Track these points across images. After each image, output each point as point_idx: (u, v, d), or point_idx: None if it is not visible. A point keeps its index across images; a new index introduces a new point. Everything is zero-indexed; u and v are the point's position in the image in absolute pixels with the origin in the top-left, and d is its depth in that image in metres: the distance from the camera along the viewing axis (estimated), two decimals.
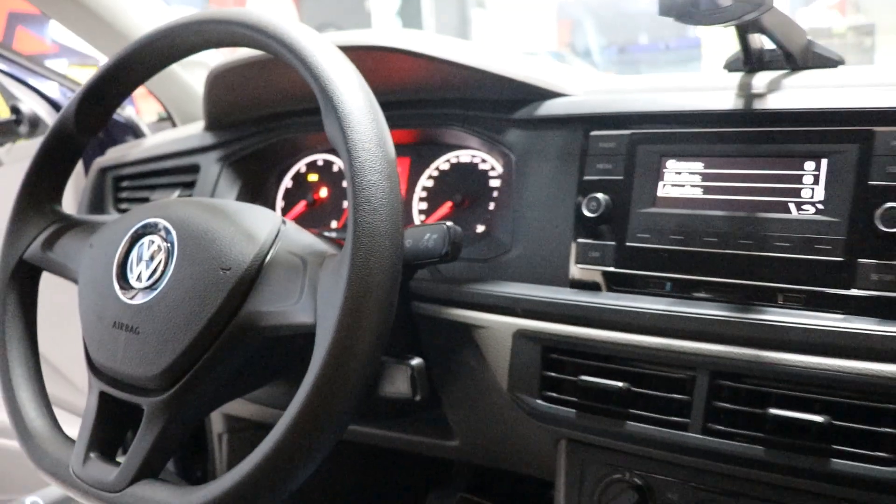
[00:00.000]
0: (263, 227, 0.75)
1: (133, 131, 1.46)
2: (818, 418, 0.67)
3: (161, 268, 0.75)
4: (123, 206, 1.24)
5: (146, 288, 0.75)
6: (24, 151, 1.49)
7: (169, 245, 0.75)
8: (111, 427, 0.79)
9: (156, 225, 0.77)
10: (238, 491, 0.65)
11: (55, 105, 1.49)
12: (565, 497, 0.85)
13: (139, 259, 0.77)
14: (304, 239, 0.77)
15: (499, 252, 0.87)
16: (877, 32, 4.64)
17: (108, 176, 1.26)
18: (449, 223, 0.75)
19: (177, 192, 1.16)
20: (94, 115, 0.90)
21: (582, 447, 0.84)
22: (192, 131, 1.20)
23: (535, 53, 6.80)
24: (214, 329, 0.70)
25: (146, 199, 1.20)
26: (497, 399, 0.86)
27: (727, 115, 0.77)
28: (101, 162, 1.28)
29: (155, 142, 1.26)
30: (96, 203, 1.26)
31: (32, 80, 1.50)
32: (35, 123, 1.49)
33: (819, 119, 0.72)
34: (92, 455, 0.77)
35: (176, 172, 1.19)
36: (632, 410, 0.76)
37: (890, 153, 0.68)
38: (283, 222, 0.78)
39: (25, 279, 0.91)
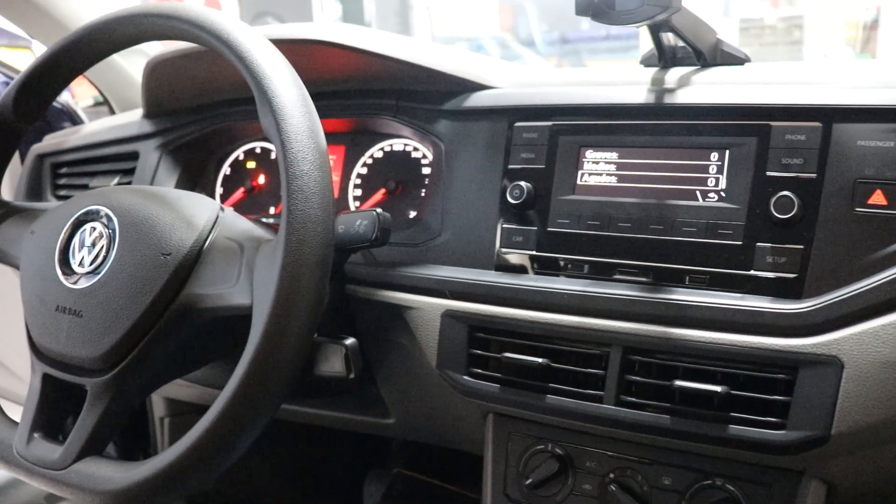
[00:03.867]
0: (202, 213, 0.79)
1: (70, 117, 1.45)
2: (718, 388, 0.72)
3: (103, 253, 0.77)
4: (62, 192, 1.25)
5: (89, 273, 0.77)
6: None
7: (111, 231, 0.78)
8: (54, 408, 0.81)
9: (98, 212, 0.80)
10: (178, 465, 0.69)
11: None
12: (493, 468, 0.90)
13: (81, 245, 0.79)
14: (241, 225, 0.80)
15: (429, 237, 0.91)
16: (806, 26, 4.77)
17: (46, 163, 1.26)
18: (378, 210, 0.79)
19: (116, 180, 1.17)
20: (33, 104, 0.91)
21: (507, 420, 0.88)
22: (131, 119, 1.21)
23: (477, 38, 6.83)
24: (156, 311, 0.74)
25: (85, 186, 1.20)
26: (428, 376, 0.90)
27: (640, 108, 0.82)
28: (38, 149, 1.28)
29: (93, 129, 1.26)
30: (34, 190, 1.26)
31: None
32: None
33: (723, 114, 0.78)
34: (36, 435, 0.79)
35: (115, 160, 1.20)
36: (551, 384, 0.81)
37: (785, 146, 0.74)
38: (222, 209, 0.81)
39: None
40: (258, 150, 1.13)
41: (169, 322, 0.74)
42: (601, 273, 0.81)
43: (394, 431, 1.08)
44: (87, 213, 0.81)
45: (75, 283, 0.78)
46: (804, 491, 0.76)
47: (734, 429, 0.73)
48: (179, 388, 1.07)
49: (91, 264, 0.77)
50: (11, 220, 0.92)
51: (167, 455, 0.69)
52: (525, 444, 0.87)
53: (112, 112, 1.44)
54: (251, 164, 1.14)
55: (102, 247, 0.78)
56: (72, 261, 0.80)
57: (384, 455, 1.63)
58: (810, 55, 4.77)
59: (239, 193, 1.12)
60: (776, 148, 0.74)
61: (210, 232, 0.77)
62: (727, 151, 0.76)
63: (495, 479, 0.89)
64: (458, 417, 0.94)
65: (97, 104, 1.57)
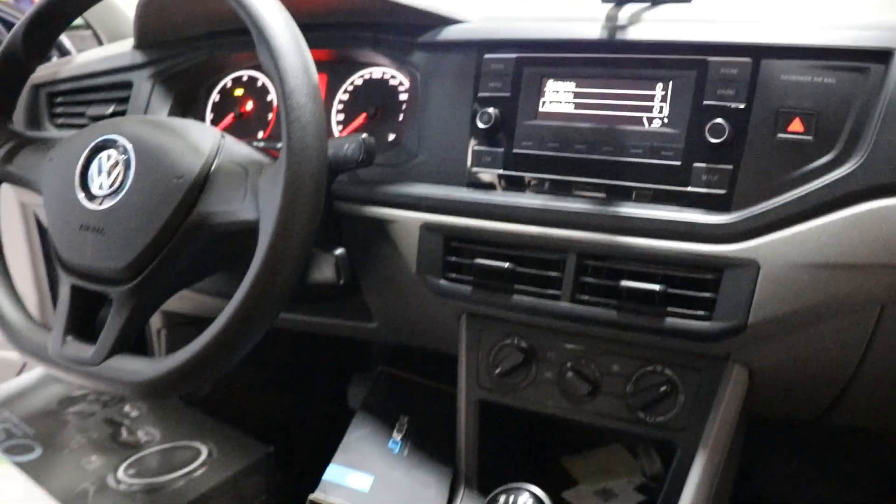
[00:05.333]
0: (207, 140, 0.87)
1: (58, 48, 1.50)
2: (657, 287, 0.83)
3: (120, 178, 0.86)
4: (59, 120, 1.31)
5: (108, 195, 0.87)
6: None
7: (126, 158, 0.87)
8: (82, 314, 0.91)
9: (113, 141, 0.88)
10: (196, 359, 0.79)
11: None
12: (466, 361, 1.01)
13: (100, 171, 0.88)
14: (242, 150, 0.89)
15: (407, 157, 0.99)
16: None
17: (42, 93, 1.32)
18: (364, 135, 0.88)
19: (111, 108, 1.23)
20: (41, 40, 0.99)
21: (478, 319, 0.99)
22: (122, 49, 1.26)
23: None
24: (171, 227, 0.83)
25: (81, 114, 1.27)
26: (408, 282, 1.00)
27: (595, 43, 0.89)
28: (34, 79, 1.32)
29: (86, 59, 1.31)
30: (32, 119, 1.33)
31: None
32: None
33: (667, 49, 0.85)
34: (68, 338, 0.90)
35: (109, 89, 1.26)
36: (516, 286, 0.91)
37: (719, 79, 0.82)
38: (223, 136, 0.90)
39: None
40: (245, 78, 1.20)
41: (183, 237, 0.84)
42: (560, 189, 0.90)
43: (376, 334, 1.18)
44: (103, 141, 0.89)
45: (96, 204, 0.87)
46: (728, 374, 0.88)
47: (670, 321, 0.84)
48: (176, 301, 1.17)
49: (110, 187, 0.87)
50: (27, 149, 1.00)
51: (187, 350, 0.80)
52: (494, 339, 0.98)
53: (99, 42, 1.50)
54: (239, 92, 1.20)
55: (119, 172, 0.87)
56: (91, 185, 0.89)
57: (366, 360, 1.75)
58: None
59: (228, 119, 1.18)
60: (712, 80, 0.82)
61: (216, 157, 0.86)
62: (670, 83, 0.85)
63: (469, 370, 1.00)
64: (435, 319, 1.05)
65: (76, 27, 1.61)
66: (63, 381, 1.46)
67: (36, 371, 1.52)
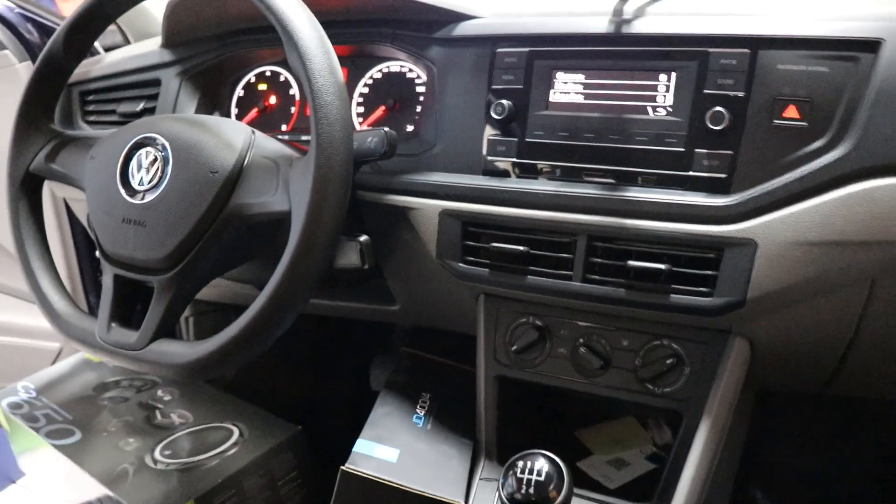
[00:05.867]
0: (239, 136, 0.92)
1: None
2: (663, 266, 0.88)
3: (159, 174, 0.92)
4: (91, 118, 1.36)
5: (148, 189, 0.92)
6: None
7: (164, 154, 0.92)
8: (125, 302, 0.97)
9: (153, 139, 0.94)
10: (237, 339, 0.84)
11: (4, 21, 1.54)
12: (484, 339, 1.06)
13: (139, 167, 0.94)
14: (272, 145, 0.95)
15: (425, 148, 1.03)
16: None
17: (75, 91, 1.38)
18: (387, 129, 0.92)
19: (141, 105, 1.28)
20: (80, 43, 1.04)
21: (495, 299, 1.04)
22: (150, 48, 1.31)
23: None
24: (208, 219, 0.88)
25: (113, 112, 1.32)
26: (428, 266, 1.05)
27: (602, 37, 0.93)
28: None
29: (115, 58, 1.36)
30: (66, 117, 1.38)
31: None
32: None
33: (671, 41, 0.89)
34: (113, 324, 0.95)
35: (139, 86, 1.31)
36: (530, 268, 0.96)
37: (719, 69, 0.86)
38: (253, 132, 0.95)
39: (32, 188, 1.07)
40: (268, 73, 1.24)
41: (219, 228, 0.89)
42: (570, 176, 0.94)
43: (398, 317, 1.23)
44: (142, 139, 0.95)
45: (137, 199, 0.92)
46: (730, 346, 0.93)
47: (675, 298, 0.89)
48: (204, 290, 1.22)
49: (149, 182, 0.92)
50: (68, 147, 1.06)
51: (226, 333, 0.85)
52: (510, 318, 1.03)
53: (126, 40, 1.55)
54: (262, 87, 1.25)
55: (158, 168, 0.92)
56: (132, 180, 0.94)
57: (386, 343, 1.80)
58: None
59: (253, 113, 1.23)
60: (712, 70, 0.86)
61: (248, 152, 0.91)
62: (673, 73, 0.89)
63: (487, 348, 1.05)
64: (454, 300, 1.10)
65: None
66: (96, 369, 1.53)
67: (70, 360, 1.58)
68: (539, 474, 0.76)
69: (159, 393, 1.45)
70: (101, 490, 1.19)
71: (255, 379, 1.58)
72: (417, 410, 1.06)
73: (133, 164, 0.94)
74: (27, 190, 1.07)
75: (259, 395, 1.42)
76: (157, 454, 1.26)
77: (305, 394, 1.69)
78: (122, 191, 0.94)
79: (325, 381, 1.76)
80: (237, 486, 1.20)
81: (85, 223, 1.42)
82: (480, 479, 1.01)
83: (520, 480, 0.76)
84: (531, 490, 0.75)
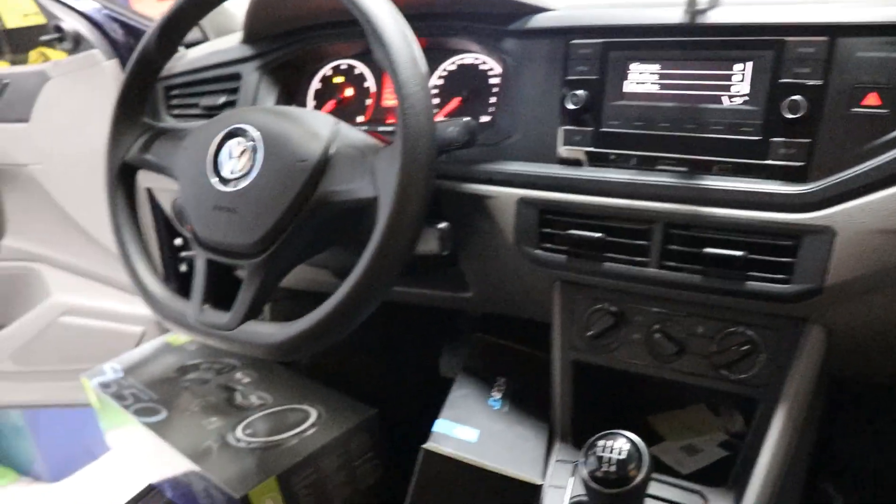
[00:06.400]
0: (324, 126, 0.96)
1: None
2: (739, 253, 0.89)
3: (249, 163, 0.96)
4: (175, 111, 1.41)
5: (239, 178, 0.96)
6: (68, 67, 1.65)
7: (254, 144, 0.96)
8: (216, 286, 1.02)
9: (243, 130, 0.98)
10: (326, 320, 0.87)
11: (93, 21, 1.62)
12: (560, 325, 1.07)
13: (230, 156, 0.98)
14: (356, 135, 0.98)
15: (501, 138, 1.04)
16: None
17: (160, 86, 1.43)
18: (468, 118, 0.95)
19: (223, 98, 1.32)
20: (171, 41, 1.09)
21: (571, 286, 1.05)
22: (231, 44, 1.36)
23: None
24: (297, 206, 0.92)
25: (195, 105, 1.37)
26: (505, 253, 1.07)
27: (677, 27, 0.93)
28: None
29: (197, 54, 1.41)
30: (152, 110, 1.43)
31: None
32: (77, 41, 1.62)
33: (746, 31, 0.89)
34: (205, 307, 1.00)
35: (220, 81, 1.35)
36: (607, 254, 0.97)
37: (796, 58, 0.86)
38: (337, 122, 0.98)
39: (128, 178, 1.13)
40: (343, 67, 1.27)
41: (307, 214, 0.92)
42: (646, 164, 0.95)
43: (471, 304, 1.25)
44: (233, 129, 0.99)
45: (228, 187, 0.97)
46: (807, 334, 0.93)
47: (751, 284, 0.90)
48: None
49: (240, 171, 0.96)
50: (161, 139, 1.11)
51: (314, 315, 0.88)
52: (586, 305, 1.04)
53: (205, 37, 1.60)
54: (339, 79, 1.28)
55: (248, 157, 0.96)
56: (222, 170, 0.98)
57: (452, 331, 1.83)
58: None
59: (330, 105, 1.26)
60: (789, 59, 0.86)
61: (334, 141, 0.94)
62: (749, 63, 0.89)
63: (563, 333, 1.07)
64: (529, 287, 1.12)
65: None
66: (176, 352, 1.59)
67: (152, 342, 1.65)
68: (620, 453, 0.78)
69: (238, 375, 1.50)
70: (188, 465, 1.24)
71: (328, 364, 1.62)
72: (493, 394, 1.09)
73: (224, 153, 0.98)
74: (123, 180, 1.12)
75: (332, 379, 1.46)
76: (238, 433, 1.31)
77: (376, 379, 1.72)
78: (214, 179, 0.98)
79: (395, 367, 1.79)
80: (315, 465, 1.25)
81: (168, 211, 1.48)
82: (556, 461, 1.03)
83: (600, 459, 0.78)
84: (612, 468, 0.78)
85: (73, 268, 1.83)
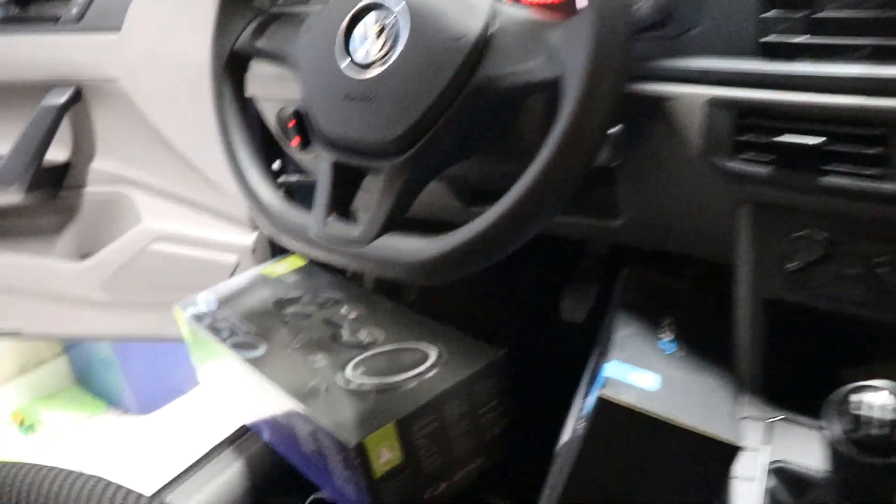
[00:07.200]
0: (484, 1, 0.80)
1: None
2: None
3: (389, 43, 0.81)
4: None
5: (376, 62, 0.81)
6: None
7: (395, 21, 0.81)
8: (343, 193, 0.87)
9: (380, 4, 0.82)
10: (495, 228, 0.72)
11: None
12: (754, 255, 0.90)
13: (365, 37, 0.83)
14: (521, 10, 0.81)
15: (682, 29, 0.87)
16: None
17: None
18: None
19: None
20: None
21: (766, 209, 0.88)
22: None
23: None
24: (450, 93, 0.76)
25: None
26: (681, 168, 0.90)
27: None
28: None
29: None
30: None
31: None
32: None
33: None
34: (330, 218, 0.85)
35: None
36: (825, 166, 0.79)
37: None
38: None
39: (237, 70, 0.99)
40: None
41: (463, 103, 0.77)
42: (885, 55, 0.76)
43: (618, 234, 1.08)
44: (367, 4, 0.84)
45: (363, 73, 0.82)
46: None
47: None
48: None
49: (378, 53, 0.81)
50: (276, 23, 0.96)
51: (482, 221, 0.73)
52: (786, 231, 0.87)
53: None
54: None
55: (388, 36, 0.81)
56: (355, 53, 0.83)
57: (570, 273, 1.68)
58: None
59: None
60: None
61: (496, 16, 0.79)
62: None
63: (755, 266, 0.90)
64: (702, 211, 0.95)
65: None
66: (273, 285, 1.47)
67: (247, 273, 1.54)
68: (886, 411, 0.60)
69: (343, 310, 1.38)
70: (292, 405, 1.12)
71: (439, 300, 1.49)
72: (661, 336, 0.92)
73: (357, 33, 0.84)
74: (232, 72, 0.98)
75: (444, 317, 1.32)
76: (348, 373, 1.19)
77: (491, 319, 1.59)
78: (345, 64, 0.83)
79: (511, 307, 1.66)
80: (437, 412, 1.11)
81: (273, 125, 1.34)
82: (745, 417, 0.86)
83: (858, 419, 0.61)
84: (876, 431, 0.60)
85: (165, 192, 1.72)
